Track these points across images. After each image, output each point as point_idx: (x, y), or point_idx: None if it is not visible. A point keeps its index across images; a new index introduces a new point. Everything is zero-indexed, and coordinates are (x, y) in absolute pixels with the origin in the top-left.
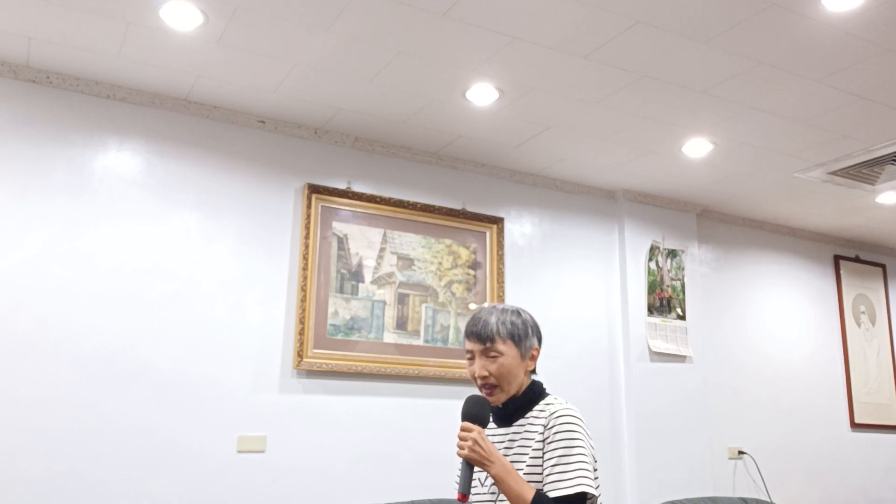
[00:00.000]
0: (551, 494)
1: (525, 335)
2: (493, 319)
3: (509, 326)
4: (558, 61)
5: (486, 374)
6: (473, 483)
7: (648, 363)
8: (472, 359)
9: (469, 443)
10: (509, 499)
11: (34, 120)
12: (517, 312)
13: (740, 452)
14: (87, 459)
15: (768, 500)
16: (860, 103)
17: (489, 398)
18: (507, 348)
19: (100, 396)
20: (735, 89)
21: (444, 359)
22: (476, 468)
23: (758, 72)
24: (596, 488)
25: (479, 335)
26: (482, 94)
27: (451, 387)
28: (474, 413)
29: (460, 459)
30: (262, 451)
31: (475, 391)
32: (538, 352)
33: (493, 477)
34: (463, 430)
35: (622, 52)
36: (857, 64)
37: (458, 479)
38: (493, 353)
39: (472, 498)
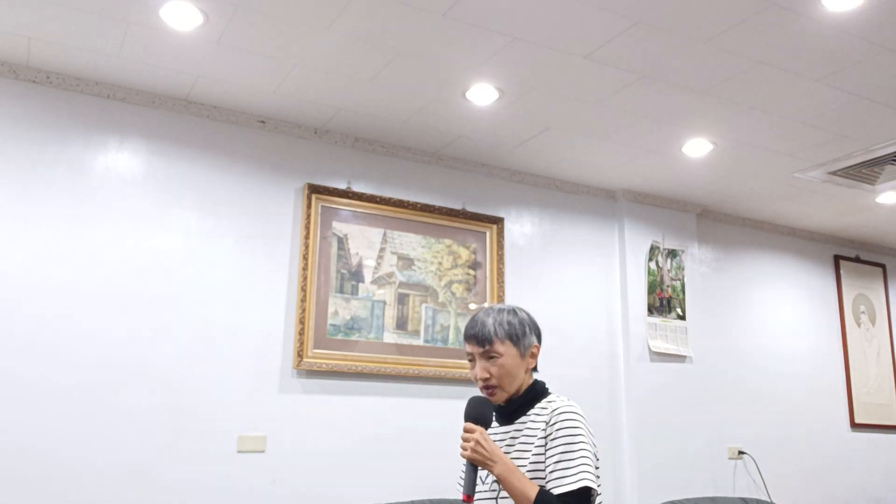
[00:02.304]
0: (555, 491)
1: (523, 334)
2: (489, 321)
3: (506, 327)
4: (558, 61)
5: (488, 375)
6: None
7: (648, 363)
8: (472, 361)
9: (472, 444)
10: (513, 497)
11: (34, 120)
12: (513, 311)
13: (740, 452)
14: (87, 459)
15: (768, 500)
16: (860, 103)
17: (491, 398)
18: (505, 349)
19: (100, 396)
20: (735, 89)
21: (443, 359)
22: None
23: (758, 72)
24: (598, 485)
25: (478, 338)
26: (482, 94)
27: (450, 387)
28: (476, 414)
29: (464, 461)
30: (262, 451)
31: (476, 391)
32: (538, 349)
33: (496, 476)
34: (466, 431)
35: (622, 52)
36: (857, 64)
37: (461, 481)
38: (492, 355)
39: (474, 496)
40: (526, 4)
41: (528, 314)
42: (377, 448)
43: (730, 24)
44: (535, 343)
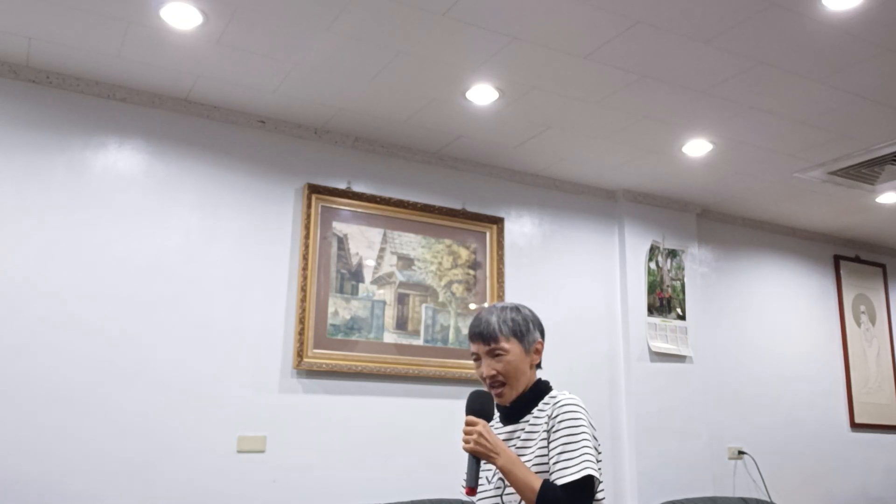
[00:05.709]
0: (559, 482)
1: (527, 330)
2: (493, 319)
3: (510, 324)
4: (558, 61)
5: (494, 372)
6: (480, 480)
7: (648, 363)
8: (478, 360)
9: (474, 436)
10: (517, 489)
11: (34, 120)
12: (516, 309)
13: (740, 452)
14: (88, 459)
15: (768, 500)
16: (860, 103)
17: (498, 398)
18: (511, 346)
19: (100, 396)
20: (735, 89)
21: (443, 359)
22: (483, 462)
23: (758, 72)
24: (599, 473)
25: (483, 336)
26: (482, 94)
27: (451, 387)
28: (478, 407)
29: (467, 454)
30: (262, 451)
31: (477, 390)
32: (542, 345)
33: (499, 469)
34: (468, 423)
35: (622, 52)
36: (857, 64)
37: (463, 482)
38: (498, 352)
39: (478, 495)
40: (526, 4)
41: (530, 311)
42: (377, 448)
43: (730, 24)
44: (539, 339)
